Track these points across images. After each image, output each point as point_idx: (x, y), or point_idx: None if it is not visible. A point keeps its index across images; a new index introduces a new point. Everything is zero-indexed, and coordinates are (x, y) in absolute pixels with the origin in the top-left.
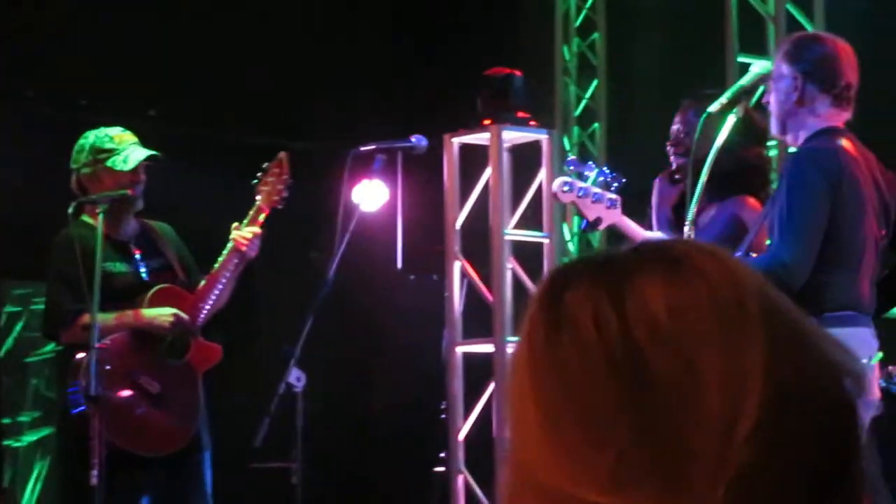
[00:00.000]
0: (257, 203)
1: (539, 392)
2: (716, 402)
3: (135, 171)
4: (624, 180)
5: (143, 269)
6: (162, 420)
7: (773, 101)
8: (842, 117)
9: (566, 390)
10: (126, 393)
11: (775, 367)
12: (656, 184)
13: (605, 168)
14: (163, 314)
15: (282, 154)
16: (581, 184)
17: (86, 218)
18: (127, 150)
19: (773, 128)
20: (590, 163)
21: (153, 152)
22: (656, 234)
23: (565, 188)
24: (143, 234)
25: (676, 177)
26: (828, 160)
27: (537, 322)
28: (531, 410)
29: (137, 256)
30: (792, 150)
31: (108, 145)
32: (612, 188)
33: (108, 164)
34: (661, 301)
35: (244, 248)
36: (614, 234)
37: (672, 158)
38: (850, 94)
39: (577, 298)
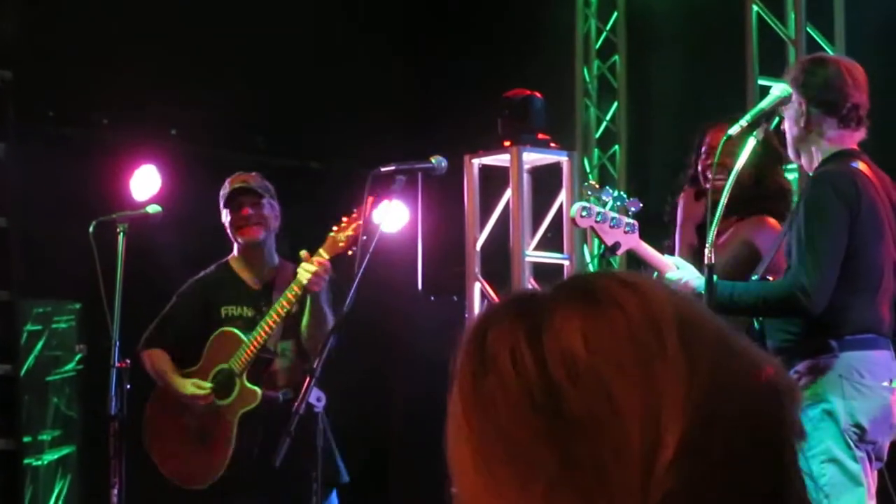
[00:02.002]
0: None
1: (471, 433)
2: (635, 433)
3: (234, 209)
4: (641, 205)
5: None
6: (197, 456)
7: (787, 128)
8: (854, 138)
9: (494, 429)
10: (176, 426)
11: (696, 394)
12: (681, 199)
13: (622, 192)
14: (186, 391)
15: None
16: (598, 209)
17: (233, 261)
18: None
19: (790, 153)
20: (607, 187)
21: (241, 185)
22: (674, 259)
23: (583, 213)
24: (272, 280)
25: (706, 187)
26: (845, 184)
27: (465, 367)
28: (466, 452)
29: (262, 306)
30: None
31: (223, 191)
32: (630, 212)
33: (224, 208)
34: (578, 336)
35: (307, 284)
36: (635, 257)
37: (705, 176)
38: (860, 114)
39: (498, 339)
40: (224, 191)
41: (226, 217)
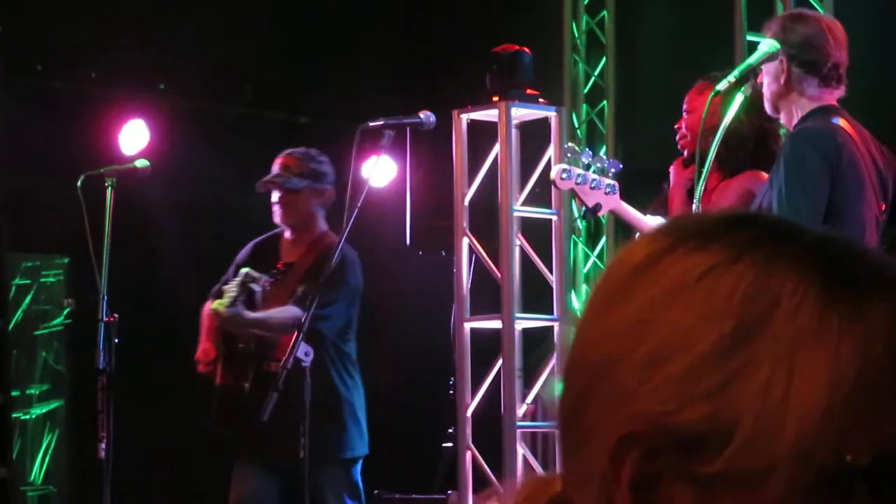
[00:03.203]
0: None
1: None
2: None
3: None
4: (621, 166)
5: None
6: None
7: (764, 83)
8: (834, 95)
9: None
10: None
11: None
12: (672, 169)
13: (602, 154)
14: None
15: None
16: (579, 170)
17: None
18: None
19: (767, 108)
20: (587, 149)
21: (272, 176)
22: (656, 219)
23: (563, 175)
24: (299, 259)
25: (686, 159)
26: (825, 140)
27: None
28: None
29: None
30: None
31: None
32: (610, 174)
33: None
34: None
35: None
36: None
37: (679, 140)
38: (840, 72)
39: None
40: None
41: None
